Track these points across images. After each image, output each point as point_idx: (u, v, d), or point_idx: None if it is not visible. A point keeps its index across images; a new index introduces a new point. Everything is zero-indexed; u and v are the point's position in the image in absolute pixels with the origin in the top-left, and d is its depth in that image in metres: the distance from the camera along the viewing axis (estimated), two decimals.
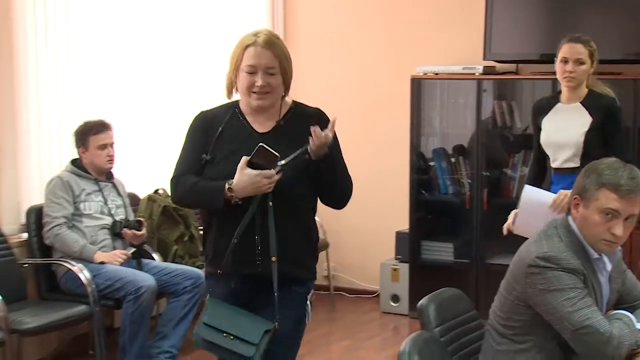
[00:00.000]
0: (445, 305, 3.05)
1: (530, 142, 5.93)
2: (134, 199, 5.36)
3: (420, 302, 3.01)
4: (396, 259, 6.30)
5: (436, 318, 2.96)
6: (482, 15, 5.91)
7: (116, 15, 5.52)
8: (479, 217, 5.93)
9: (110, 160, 4.89)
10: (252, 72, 2.88)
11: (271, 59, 2.90)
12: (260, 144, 2.79)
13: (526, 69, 5.98)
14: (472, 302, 3.25)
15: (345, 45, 6.66)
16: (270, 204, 2.92)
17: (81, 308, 4.53)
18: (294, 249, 3.03)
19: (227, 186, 2.86)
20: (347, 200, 3.31)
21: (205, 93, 5.88)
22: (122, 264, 4.73)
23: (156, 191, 5.48)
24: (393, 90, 6.33)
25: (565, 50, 4.31)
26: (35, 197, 4.96)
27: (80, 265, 4.58)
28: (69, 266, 4.62)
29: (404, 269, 6.19)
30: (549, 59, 5.73)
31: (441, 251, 6.13)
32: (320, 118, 3.04)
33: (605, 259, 2.86)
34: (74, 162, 4.89)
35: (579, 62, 4.27)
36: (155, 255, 5.12)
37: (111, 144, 4.89)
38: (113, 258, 4.74)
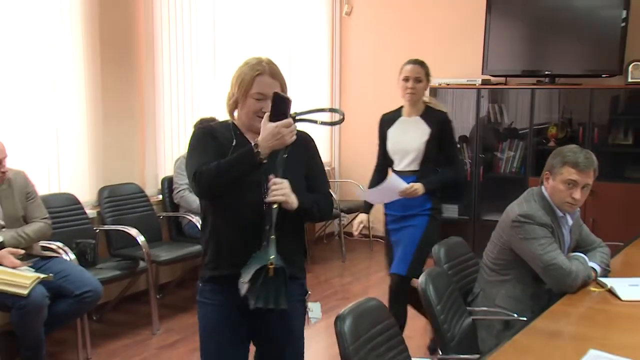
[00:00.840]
0: (451, 248, 3.05)
1: (513, 133, 5.88)
2: None
3: (434, 246, 3.01)
4: None
5: (445, 258, 2.97)
6: (481, 42, 5.84)
7: None
8: (476, 186, 5.88)
9: None
10: (262, 99, 2.18)
11: (277, 87, 2.18)
12: (275, 91, 2.16)
13: (512, 81, 5.88)
14: (471, 247, 3.24)
15: (383, 63, 6.61)
16: (275, 206, 2.11)
17: (198, 247, 4.54)
18: (288, 249, 2.18)
19: (253, 145, 2.10)
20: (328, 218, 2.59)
21: None
22: None
23: None
24: None
25: (406, 70, 3.69)
26: (168, 170, 5.03)
27: (197, 217, 4.63)
28: (190, 218, 4.69)
29: None
30: (529, 74, 5.70)
31: (449, 210, 6.08)
32: (309, 141, 2.33)
33: (568, 217, 2.83)
34: None
35: (418, 80, 3.65)
36: None
37: None
38: None
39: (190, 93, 5.20)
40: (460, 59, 6.13)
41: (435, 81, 5.92)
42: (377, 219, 6.75)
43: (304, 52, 6.43)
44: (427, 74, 3.71)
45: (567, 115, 5.80)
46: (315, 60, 6.60)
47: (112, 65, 4.59)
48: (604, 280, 2.72)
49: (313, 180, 2.28)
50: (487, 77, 5.84)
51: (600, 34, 5.42)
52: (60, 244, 3.80)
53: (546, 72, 5.62)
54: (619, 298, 2.55)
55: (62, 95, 4.34)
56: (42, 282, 3.26)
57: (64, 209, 4.19)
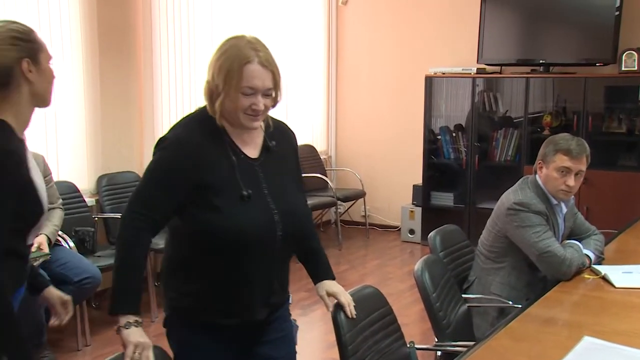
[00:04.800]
0: (447, 236, 3.04)
1: (508, 122, 5.86)
2: None
3: (430, 234, 3.00)
4: (413, 203, 6.26)
5: (440, 245, 2.95)
6: (476, 32, 5.80)
7: None
8: (471, 175, 5.86)
9: None
10: (252, 93, 1.73)
11: (270, 80, 1.75)
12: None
13: (507, 70, 5.85)
14: (466, 235, 3.23)
15: (379, 52, 6.58)
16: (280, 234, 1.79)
17: None
18: (285, 280, 1.95)
19: (121, 318, 1.69)
20: None
21: None
22: None
23: None
24: (413, 85, 6.24)
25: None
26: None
27: None
28: None
29: (418, 211, 6.16)
30: (524, 62, 5.67)
31: (444, 199, 6.08)
32: (290, 133, 1.98)
33: (562, 205, 2.83)
34: None
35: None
36: None
37: None
38: None
39: (189, 80, 5.16)
40: (455, 48, 6.10)
41: (430, 70, 5.94)
42: (373, 208, 6.76)
43: (300, 41, 6.38)
44: None
45: (562, 103, 5.78)
46: (312, 49, 6.56)
47: (110, 52, 4.55)
48: (598, 267, 2.71)
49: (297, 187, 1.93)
50: (482, 66, 5.81)
51: (594, 23, 5.39)
52: (60, 232, 3.78)
53: (541, 61, 5.59)
54: (612, 285, 2.54)
55: (61, 84, 4.30)
56: (42, 268, 3.24)
57: (63, 197, 4.13)
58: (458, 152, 6.02)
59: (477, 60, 5.79)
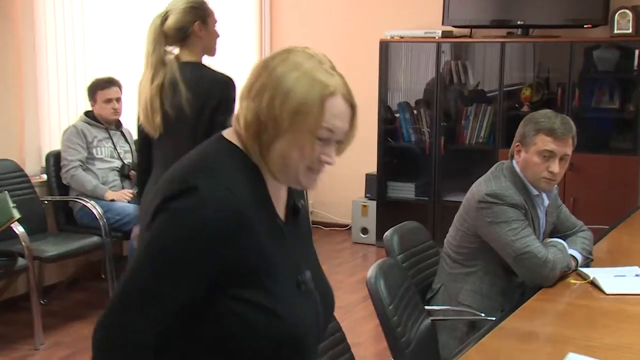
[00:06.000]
0: (407, 236, 3.06)
1: (480, 97, 5.97)
2: None
3: (386, 233, 3.02)
4: (366, 197, 6.32)
5: (399, 247, 2.98)
6: None
7: None
8: (436, 161, 5.94)
9: (115, 112, 4.84)
10: (328, 138, 1.52)
11: (349, 120, 1.58)
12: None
13: (479, 33, 5.95)
14: (430, 233, 3.27)
15: (324, 14, 6.59)
16: None
17: (94, 239, 4.52)
18: None
19: None
20: None
21: None
22: (129, 202, 4.72)
23: None
24: (365, 51, 6.27)
25: None
26: (54, 143, 4.92)
27: (93, 202, 4.57)
28: (83, 203, 4.61)
29: (372, 205, 6.22)
30: (499, 24, 5.77)
31: (404, 190, 6.16)
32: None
33: (544, 195, 2.89)
34: (87, 113, 4.84)
35: None
36: None
37: (117, 98, 4.83)
38: (122, 196, 4.73)
39: (82, 49, 5.08)
40: (416, 7, 6.16)
41: (386, 34, 5.98)
42: (317, 202, 6.78)
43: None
44: None
45: (544, 74, 5.92)
46: (239, 8, 6.51)
47: None
48: (585, 270, 2.80)
49: None
50: (448, 28, 5.88)
51: None
52: None
53: (519, 23, 5.70)
54: (602, 291, 2.61)
55: None
56: None
57: None
58: (420, 134, 6.10)
59: (443, 22, 5.86)
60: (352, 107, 1.56)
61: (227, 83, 3.17)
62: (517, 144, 2.85)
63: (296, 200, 1.66)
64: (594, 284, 2.68)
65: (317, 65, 1.52)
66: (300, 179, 1.55)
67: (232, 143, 1.55)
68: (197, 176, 1.46)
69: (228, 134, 1.57)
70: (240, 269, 1.46)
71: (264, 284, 1.48)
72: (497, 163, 2.95)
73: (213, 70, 3.22)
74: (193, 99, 3.08)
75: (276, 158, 1.51)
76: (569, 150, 2.80)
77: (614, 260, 3.05)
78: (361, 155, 6.45)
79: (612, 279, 2.70)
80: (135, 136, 5.12)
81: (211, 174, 1.48)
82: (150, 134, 3.18)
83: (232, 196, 1.45)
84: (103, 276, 4.97)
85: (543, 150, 2.77)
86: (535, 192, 2.85)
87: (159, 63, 3.11)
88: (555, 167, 2.78)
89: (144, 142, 3.28)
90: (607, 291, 2.61)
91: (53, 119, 4.99)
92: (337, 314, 2.25)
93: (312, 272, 1.62)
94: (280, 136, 1.49)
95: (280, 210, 1.60)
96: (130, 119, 5.15)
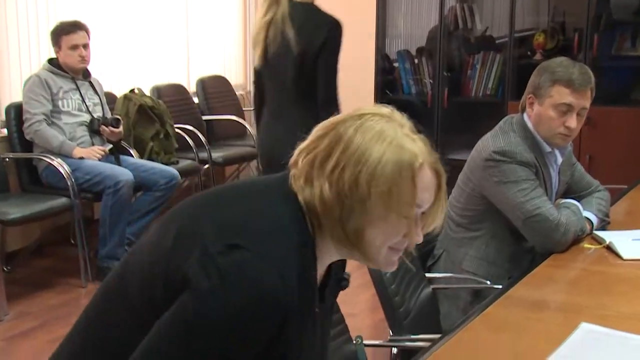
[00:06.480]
0: None
1: (488, 43, 5.94)
2: (110, 98, 5.30)
3: None
4: None
5: None
6: None
7: None
8: (439, 115, 5.94)
9: (83, 60, 4.79)
10: (416, 214, 1.48)
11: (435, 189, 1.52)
12: None
13: None
14: None
15: None
16: None
17: (62, 200, 4.52)
18: None
19: None
20: None
21: None
22: (100, 160, 4.72)
23: (132, 90, 5.42)
24: None
25: None
26: (15, 94, 4.89)
27: (59, 160, 4.56)
28: (49, 161, 4.59)
29: None
30: None
31: None
32: None
33: (557, 152, 2.89)
34: (51, 60, 4.80)
35: None
36: (132, 152, 5.12)
37: (84, 45, 4.78)
38: (91, 153, 4.71)
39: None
40: None
41: None
42: None
43: None
44: None
45: (559, 18, 5.89)
46: None
47: None
48: (601, 234, 2.81)
49: None
50: None
51: None
52: None
53: None
54: (619, 256, 2.63)
55: None
56: None
57: None
58: (421, 85, 6.09)
59: None
60: (438, 175, 1.48)
61: (334, 24, 3.50)
62: (530, 95, 2.84)
63: (338, 273, 1.60)
64: (610, 249, 2.70)
65: (398, 130, 1.44)
66: (380, 260, 1.49)
67: (301, 218, 1.44)
68: (244, 247, 1.36)
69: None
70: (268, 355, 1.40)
71: None
72: (506, 117, 2.94)
73: (322, 12, 3.54)
74: (299, 37, 3.45)
75: (365, 245, 1.45)
76: (587, 104, 2.79)
77: (632, 222, 3.06)
78: None
79: (629, 243, 2.72)
80: (105, 87, 5.17)
81: (263, 246, 1.37)
82: (256, 67, 3.65)
83: (284, 288, 1.35)
84: (72, 241, 5.00)
85: (560, 104, 2.76)
86: (548, 149, 2.85)
87: (273, 0, 3.46)
88: (573, 121, 2.77)
89: (256, 77, 3.72)
90: (625, 256, 2.63)
91: (13, 67, 4.96)
92: None
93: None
94: (371, 221, 1.42)
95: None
96: (99, 68, 5.14)
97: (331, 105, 3.42)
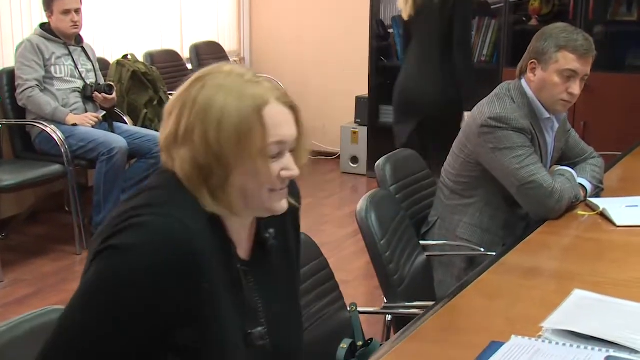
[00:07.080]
0: (400, 165, 3.08)
1: (483, 9, 5.90)
2: (103, 64, 5.27)
3: (378, 162, 3.03)
4: (355, 122, 6.32)
5: (392, 177, 2.99)
6: None
7: None
8: None
9: (75, 25, 4.75)
10: (281, 152, 1.51)
11: (294, 123, 1.55)
12: None
13: None
14: (426, 162, 3.28)
15: None
16: None
17: (56, 167, 4.51)
18: None
19: None
20: None
21: None
22: (93, 126, 4.70)
23: (125, 56, 5.38)
24: None
25: None
26: (7, 60, 4.87)
27: (53, 126, 4.54)
28: (42, 127, 4.57)
29: (363, 131, 6.22)
30: None
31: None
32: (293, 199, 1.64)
33: (554, 119, 2.89)
34: (43, 25, 4.76)
35: None
36: (125, 119, 5.10)
37: (76, 10, 4.73)
38: (85, 120, 4.69)
39: None
40: None
41: None
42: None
43: None
44: None
45: None
46: None
47: None
48: (595, 201, 2.83)
49: None
50: None
51: None
52: None
53: None
54: (613, 223, 2.65)
55: None
56: None
57: None
58: None
59: None
60: (292, 108, 1.51)
61: None
62: (533, 60, 2.82)
63: (264, 233, 1.61)
64: (603, 216, 2.72)
65: (238, 80, 1.48)
66: (266, 206, 1.51)
67: (185, 189, 1.47)
68: (141, 213, 1.42)
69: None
70: (185, 316, 1.41)
71: (210, 336, 1.44)
72: (503, 83, 2.94)
73: None
74: None
75: (233, 198, 1.47)
76: (589, 70, 2.79)
77: (626, 189, 3.08)
78: (350, 76, 6.45)
79: (623, 210, 2.74)
80: (97, 53, 5.13)
81: (160, 208, 1.43)
82: (403, 17, 4.43)
83: (185, 229, 1.40)
84: (66, 208, 5.00)
85: (565, 69, 2.74)
86: (547, 115, 2.84)
87: None
88: (577, 88, 2.76)
89: (405, 27, 4.67)
90: (618, 223, 2.65)
91: (5, 32, 4.92)
92: (325, 250, 2.28)
93: (273, 324, 1.59)
94: (230, 173, 1.45)
95: (242, 246, 1.56)
96: (92, 33, 5.10)
97: (466, 48, 4.42)
